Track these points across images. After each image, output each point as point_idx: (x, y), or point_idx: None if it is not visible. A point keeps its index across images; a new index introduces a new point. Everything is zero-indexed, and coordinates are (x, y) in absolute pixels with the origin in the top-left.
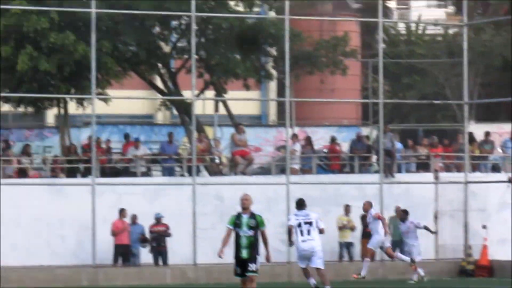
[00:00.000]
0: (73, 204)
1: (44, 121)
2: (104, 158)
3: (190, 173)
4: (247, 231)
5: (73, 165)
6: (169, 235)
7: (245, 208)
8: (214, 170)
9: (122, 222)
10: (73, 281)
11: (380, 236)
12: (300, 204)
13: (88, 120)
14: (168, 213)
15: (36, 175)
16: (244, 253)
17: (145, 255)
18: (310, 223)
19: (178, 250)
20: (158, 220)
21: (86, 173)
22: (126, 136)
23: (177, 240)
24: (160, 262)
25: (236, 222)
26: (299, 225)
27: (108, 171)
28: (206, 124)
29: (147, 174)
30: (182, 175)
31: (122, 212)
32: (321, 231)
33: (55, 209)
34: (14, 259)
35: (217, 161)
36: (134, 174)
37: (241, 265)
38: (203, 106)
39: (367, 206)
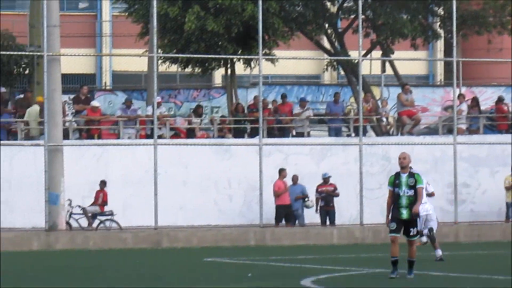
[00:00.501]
0: (240, 164)
1: (212, 81)
2: (271, 118)
3: (357, 133)
4: (407, 191)
5: (240, 125)
6: (337, 195)
7: (403, 167)
8: (381, 130)
9: (283, 182)
10: (240, 240)
11: None
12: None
13: (255, 80)
14: (335, 173)
15: (204, 135)
16: (404, 214)
17: (311, 215)
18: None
19: (344, 210)
20: (325, 180)
21: (253, 133)
22: (283, 96)
23: (344, 200)
24: (328, 222)
25: (395, 182)
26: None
27: (275, 132)
28: (373, 84)
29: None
30: (348, 135)
31: (281, 172)
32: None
33: (222, 169)
34: (182, 218)
35: (384, 121)
36: (301, 135)
37: (398, 223)
38: (370, 66)
39: None
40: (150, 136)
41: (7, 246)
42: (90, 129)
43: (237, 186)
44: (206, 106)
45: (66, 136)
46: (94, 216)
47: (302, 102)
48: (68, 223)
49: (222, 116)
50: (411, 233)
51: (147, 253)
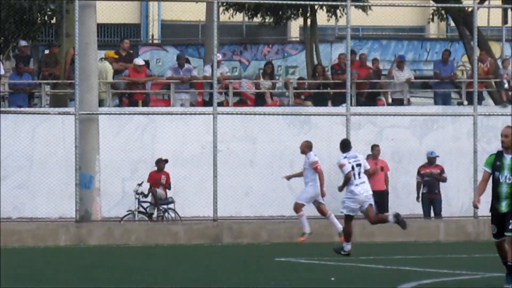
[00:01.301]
0: (322, 139)
1: (287, 34)
2: (361, 81)
3: (470, 101)
4: (510, 177)
5: (322, 90)
6: (444, 179)
7: (506, 147)
8: (501, 98)
9: (377, 161)
10: (322, 236)
11: None
12: (347, 145)
13: (342, 33)
14: (442, 152)
15: (276, 102)
16: (503, 206)
17: (411, 204)
18: (359, 165)
19: (454, 198)
20: (430, 160)
21: (339, 100)
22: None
23: (453, 185)
24: (432, 213)
25: (496, 164)
26: (352, 168)
27: (365, 98)
28: (492, 39)
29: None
30: (460, 104)
31: (374, 149)
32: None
33: (299, 145)
34: (248, 207)
35: (505, 85)
36: (399, 102)
37: (499, 222)
38: (488, 15)
39: None
40: (208, 103)
41: (28, 241)
42: (133, 93)
43: None
44: (279, 65)
45: (102, 102)
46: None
47: (401, 61)
48: (140, 213)
49: (299, 79)
50: (510, 226)
51: (204, 250)
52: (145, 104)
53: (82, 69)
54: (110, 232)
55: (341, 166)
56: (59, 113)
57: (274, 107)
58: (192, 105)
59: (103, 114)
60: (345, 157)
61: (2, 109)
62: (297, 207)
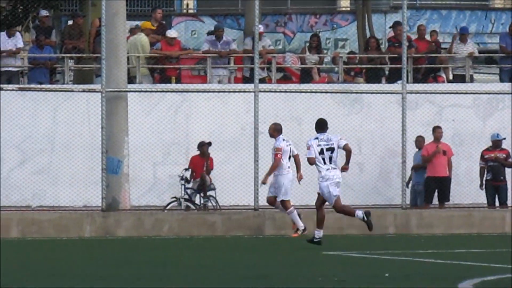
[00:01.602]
0: (375, 119)
1: (336, 4)
2: (419, 56)
3: None
4: None
5: (375, 65)
6: (510, 165)
7: None
8: None
9: (438, 145)
10: (375, 227)
11: None
12: (322, 125)
13: (398, 3)
14: (508, 134)
15: (324, 79)
16: None
17: (474, 192)
18: (331, 150)
19: None
20: (496, 143)
21: (394, 77)
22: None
23: None
24: (497, 202)
25: None
26: (321, 151)
27: (423, 75)
28: None
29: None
30: None
31: (435, 131)
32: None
33: (349, 126)
34: (292, 195)
35: None
36: (460, 79)
37: None
38: None
39: None
40: (248, 79)
41: (49, 231)
42: (166, 69)
43: (370, 151)
44: (327, 38)
45: (131, 79)
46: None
47: (463, 33)
48: (187, 200)
49: (349, 53)
50: None
51: (243, 243)
52: (179, 81)
53: (109, 42)
54: (140, 223)
55: (307, 148)
56: (83, 91)
57: (321, 84)
58: (230, 82)
59: (132, 91)
60: (315, 138)
61: (21, 85)
62: (286, 205)
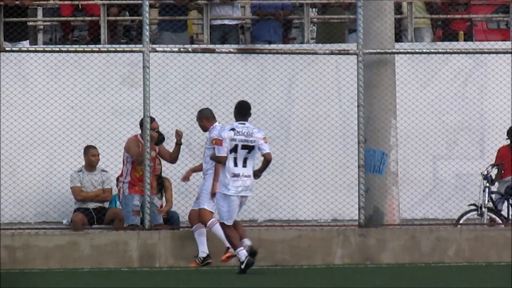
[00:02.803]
0: None
1: None
2: None
3: None
4: None
5: None
6: None
7: None
8: None
9: None
10: None
11: None
12: (244, 111)
13: None
14: None
15: None
16: None
17: None
18: (249, 148)
19: None
20: None
21: None
22: None
23: None
24: None
25: None
26: (235, 149)
27: None
28: None
29: None
30: None
31: None
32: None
33: None
34: None
35: None
36: None
37: None
38: None
39: None
40: None
41: (284, 256)
42: (450, 20)
43: None
44: None
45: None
46: None
47: None
48: (491, 211)
49: None
50: None
51: None
52: (470, 38)
53: None
54: (413, 243)
55: (216, 142)
56: (332, 53)
57: None
58: None
59: (401, 53)
60: (231, 129)
61: (240, 46)
62: (205, 217)
